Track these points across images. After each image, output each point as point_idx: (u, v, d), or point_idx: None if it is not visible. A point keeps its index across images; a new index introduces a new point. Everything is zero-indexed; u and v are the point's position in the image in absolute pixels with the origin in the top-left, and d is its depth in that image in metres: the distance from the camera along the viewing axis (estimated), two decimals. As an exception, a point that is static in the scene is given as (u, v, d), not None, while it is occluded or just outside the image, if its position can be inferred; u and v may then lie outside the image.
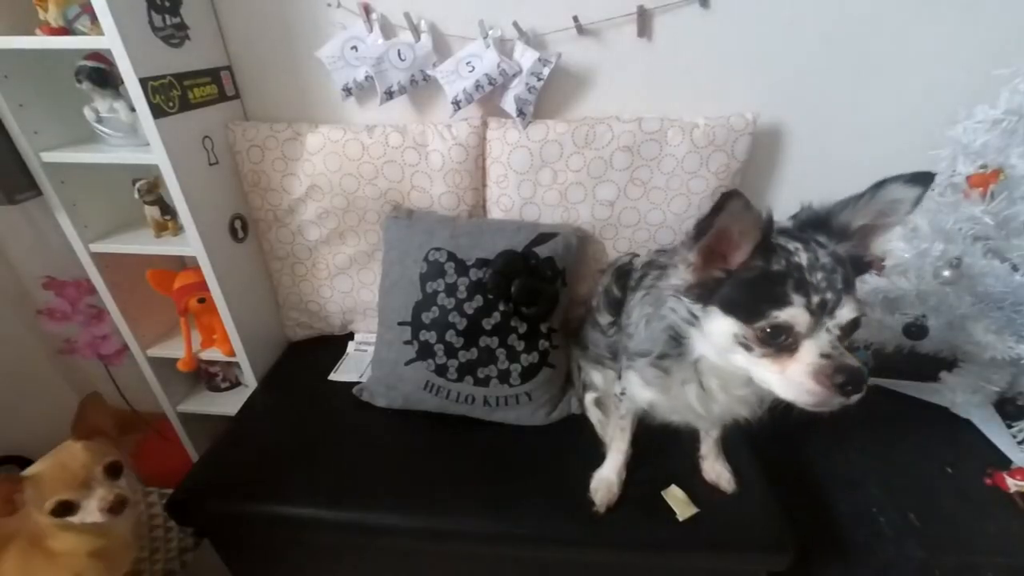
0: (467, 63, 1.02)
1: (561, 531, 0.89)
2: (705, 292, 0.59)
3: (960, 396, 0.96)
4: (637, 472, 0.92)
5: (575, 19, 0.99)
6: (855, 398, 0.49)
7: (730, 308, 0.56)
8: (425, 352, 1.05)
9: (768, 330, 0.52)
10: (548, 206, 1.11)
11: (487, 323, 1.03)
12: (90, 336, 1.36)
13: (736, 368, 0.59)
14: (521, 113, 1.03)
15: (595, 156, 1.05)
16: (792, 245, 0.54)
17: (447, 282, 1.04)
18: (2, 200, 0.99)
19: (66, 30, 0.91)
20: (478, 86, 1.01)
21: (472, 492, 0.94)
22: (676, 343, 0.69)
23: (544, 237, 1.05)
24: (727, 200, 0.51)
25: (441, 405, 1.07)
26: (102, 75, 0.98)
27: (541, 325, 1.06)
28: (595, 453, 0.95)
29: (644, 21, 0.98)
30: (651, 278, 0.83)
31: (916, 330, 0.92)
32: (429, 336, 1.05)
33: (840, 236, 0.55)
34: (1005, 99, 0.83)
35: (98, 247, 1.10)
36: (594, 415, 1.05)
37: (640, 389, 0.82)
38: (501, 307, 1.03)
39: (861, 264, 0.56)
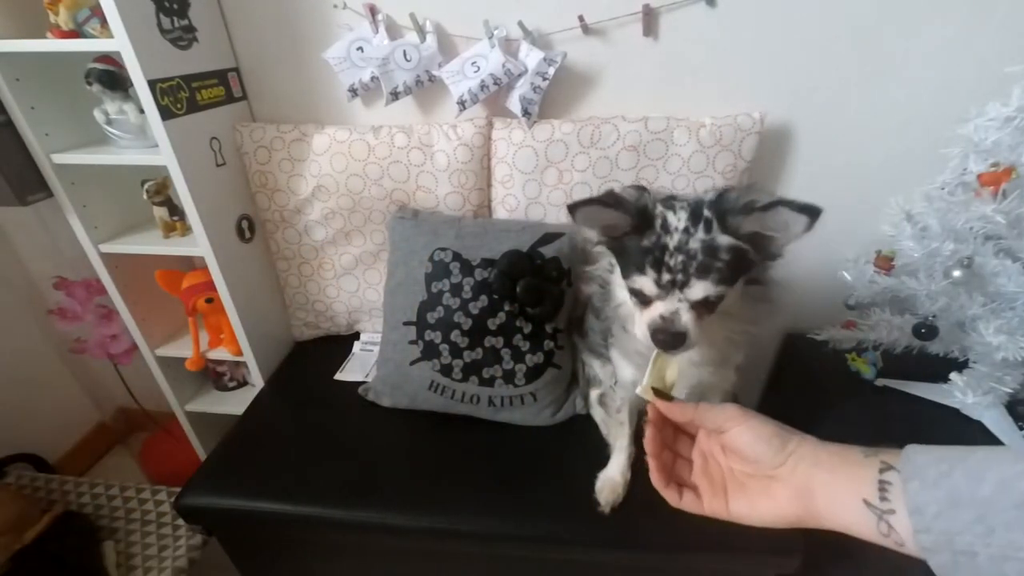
0: (472, 63, 1.02)
1: (566, 531, 0.89)
2: (613, 249, 0.70)
3: (971, 397, 0.95)
4: (642, 473, 0.92)
5: (580, 18, 0.99)
6: (672, 352, 0.61)
7: (620, 263, 0.69)
8: (430, 352, 1.05)
9: (631, 288, 0.66)
10: (553, 206, 1.11)
11: (492, 323, 1.03)
12: (100, 336, 1.38)
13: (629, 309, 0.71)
14: (526, 113, 1.03)
15: (601, 156, 1.04)
16: (678, 223, 0.63)
17: (452, 282, 1.04)
18: (14, 201, 1.00)
19: (76, 33, 0.91)
20: (483, 86, 1.01)
21: (477, 492, 0.94)
22: (603, 291, 0.82)
23: (549, 237, 1.05)
24: (574, 211, 0.62)
25: (446, 405, 1.07)
26: (112, 77, 0.99)
27: (546, 325, 1.06)
28: (600, 454, 0.95)
29: (650, 20, 0.98)
30: None
31: (926, 330, 0.91)
32: (434, 336, 1.05)
33: (726, 228, 0.62)
34: (1018, 96, 0.81)
35: (108, 248, 1.11)
36: (598, 414, 1.05)
37: (623, 366, 0.85)
38: (506, 307, 1.03)
39: (743, 259, 0.63)
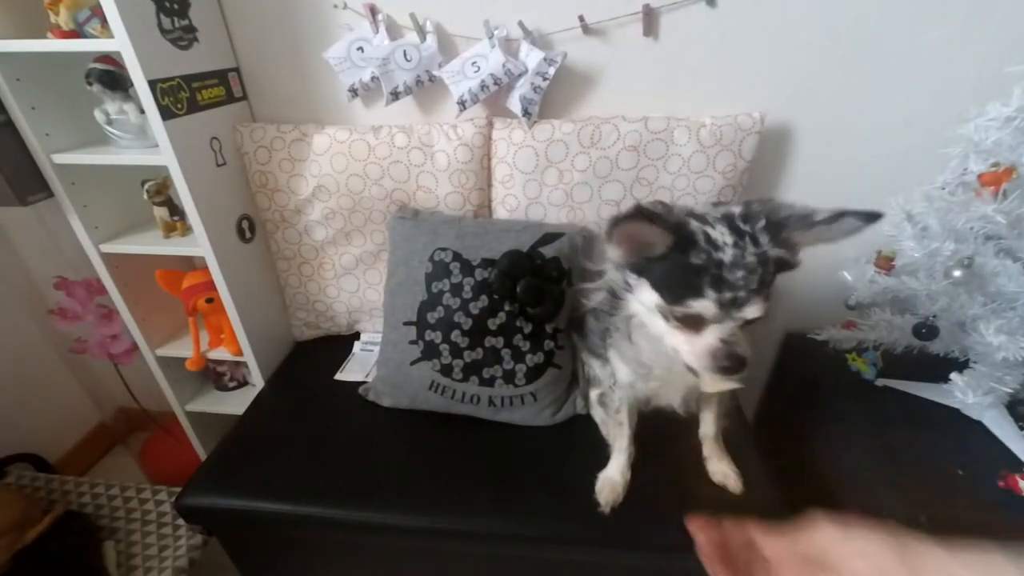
0: (473, 63, 1.02)
1: (566, 531, 0.89)
2: (636, 268, 0.65)
3: (971, 397, 0.95)
4: (642, 473, 0.92)
5: (581, 18, 0.99)
6: (733, 377, 0.57)
7: (656, 286, 0.63)
8: (430, 352, 1.05)
9: (684, 315, 0.60)
10: (554, 206, 1.11)
11: (492, 323, 1.03)
12: (100, 336, 1.38)
13: (657, 330, 0.67)
14: (527, 113, 1.03)
15: (601, 156, 1.04)
16: (724, 238, 0.58)
17: (452, 282, 1.04)
18: (14, 201, 1.01)
19: (76, 33, 0.92)
20: (483, 86, 1.01)
21: (477, 492, 0.94)
22: (614, 299, 0.77)
23: (550, 237, 1.05)
24: (614, 228, 0.58)
25: (446, 405, 1.07)
26: (112, 77, 0.99)
27: (547, 325, 1.06)
28: (600, 454, 0.95)
29: (650, 20, 0.98)
30: None
31: (926, 330, 0.91)
32: (434, 336, 1.05)
33: (780, 242, 0.58)
34: (1018, 96, 0.81)
35: (108, 248, 1.12)
36: (598, 414, 1.05)
37: (621, 368, 0.84)
38: (506, 307, 1.03)
39: (784, 265, 0.60)
